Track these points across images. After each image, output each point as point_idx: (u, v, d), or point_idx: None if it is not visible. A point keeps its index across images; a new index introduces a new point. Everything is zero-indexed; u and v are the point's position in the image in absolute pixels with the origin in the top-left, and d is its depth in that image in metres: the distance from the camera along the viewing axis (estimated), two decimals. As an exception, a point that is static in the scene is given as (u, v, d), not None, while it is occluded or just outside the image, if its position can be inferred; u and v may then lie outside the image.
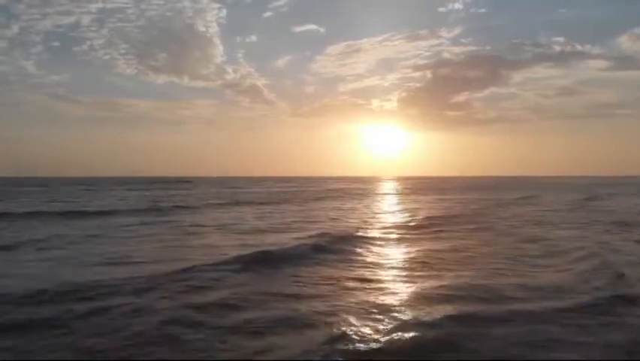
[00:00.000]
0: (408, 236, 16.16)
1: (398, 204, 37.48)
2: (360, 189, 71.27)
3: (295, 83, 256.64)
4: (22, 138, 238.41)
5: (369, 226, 19.28)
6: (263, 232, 17.79)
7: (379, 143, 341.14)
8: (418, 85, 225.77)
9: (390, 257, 12.00)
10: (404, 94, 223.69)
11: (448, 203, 35.70)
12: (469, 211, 26.87)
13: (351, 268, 10.47)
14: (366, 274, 9.84)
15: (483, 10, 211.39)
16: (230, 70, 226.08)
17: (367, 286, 8.64)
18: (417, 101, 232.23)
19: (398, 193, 57.90)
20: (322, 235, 15.39)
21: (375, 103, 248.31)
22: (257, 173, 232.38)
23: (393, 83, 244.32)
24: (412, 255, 12.19)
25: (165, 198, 42.54)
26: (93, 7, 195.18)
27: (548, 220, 21.25)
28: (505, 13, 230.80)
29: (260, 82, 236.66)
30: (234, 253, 11.62)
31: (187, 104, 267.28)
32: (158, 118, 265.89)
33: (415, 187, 77.56)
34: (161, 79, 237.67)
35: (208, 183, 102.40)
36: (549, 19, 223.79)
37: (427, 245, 13.92)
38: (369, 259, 11.62)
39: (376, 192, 62.10)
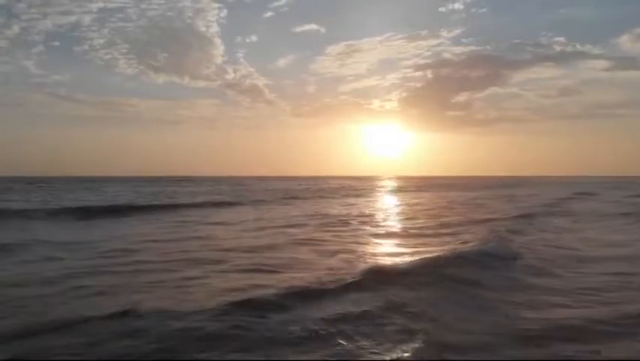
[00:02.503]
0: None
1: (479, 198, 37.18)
2: (381, 186, 71.16)
3: (296, 83, 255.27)
4: (24, 137, 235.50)
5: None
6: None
7: (380, 143, 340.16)
8: (418, 85, 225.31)
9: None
10: (405, 94, 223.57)
11: (502, 198, 35.39)
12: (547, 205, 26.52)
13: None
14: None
15: (484, 10, 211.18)
16: (230, 70, 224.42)
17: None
18: (417, 101, 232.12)
19: (439, 190, 57.51)
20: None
21: (376, 103, 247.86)
22: (257, 172, 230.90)
23: (394, 83, 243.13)
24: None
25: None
26: (94, 6, 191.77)
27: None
28: (505, 13, 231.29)
29: (260, 82, 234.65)
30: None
31: (188, 104, 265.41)
32: (159, 118, 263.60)
33: (434, 185, 77.25)
34: (162, 79, 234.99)
35: (213, 181, 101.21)
36: (550, 19, 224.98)
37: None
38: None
39: (411, 189, 61.72)
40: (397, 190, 58.49)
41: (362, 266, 8.51)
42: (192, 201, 32.10)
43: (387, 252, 11.46)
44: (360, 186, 71.02)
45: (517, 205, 27.53)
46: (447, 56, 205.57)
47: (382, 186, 72.37)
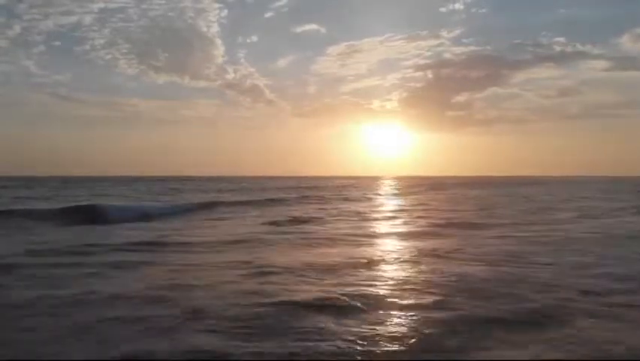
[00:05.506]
0: None
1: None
2: (416, 185, 71.95)
3: (296, 83, 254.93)
4: (24, 137, 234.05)
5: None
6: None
7: (380, 143, 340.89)
8: (418, 85, 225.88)
9: None
10: (405, 94, 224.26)
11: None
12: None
13: None
14: None
15: (484, 11, 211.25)
16: (231, 70, 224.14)
17: None
18: (418, 101, 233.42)
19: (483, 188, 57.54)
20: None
21: (376, 103, 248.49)
22: (257, 172, 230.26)
23: (394, 83, 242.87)
24: None
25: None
26: (95, 6, 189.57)
27: None
28: (505, 14, 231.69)
29: (261, 82, 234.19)
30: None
31: (188, 104, 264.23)
32: (160, 118, 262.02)
33: (452, 184, 77.34)
34: (163, 79, 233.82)
35: (215, 181, 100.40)
36: (550, 20, 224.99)
37: None
38: None
39: (451, 187, 61.85)
40: (440, 187, 59.19)
41: None
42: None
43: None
44: (393, 185, 71.47)
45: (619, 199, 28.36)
46: (447, 56, 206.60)
47: (419, 185, 73.15)
